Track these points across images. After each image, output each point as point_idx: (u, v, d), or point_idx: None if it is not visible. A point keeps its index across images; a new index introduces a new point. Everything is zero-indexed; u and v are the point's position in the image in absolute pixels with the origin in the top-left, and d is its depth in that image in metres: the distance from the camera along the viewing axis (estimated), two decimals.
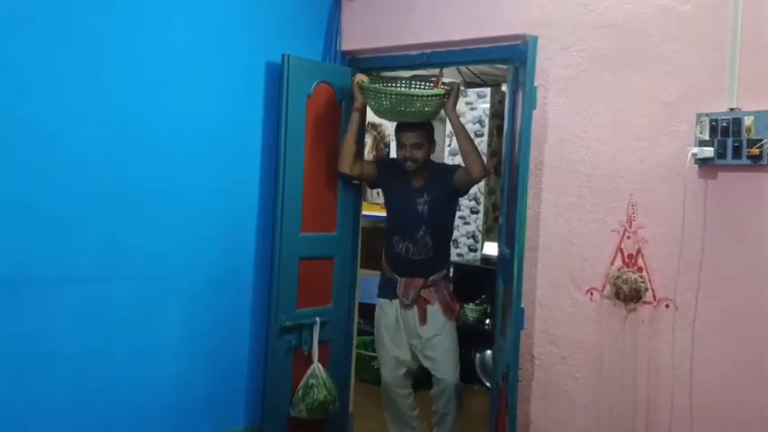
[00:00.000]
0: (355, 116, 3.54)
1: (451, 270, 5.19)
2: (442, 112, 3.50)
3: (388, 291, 3.61)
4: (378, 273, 3.63)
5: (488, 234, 5.42)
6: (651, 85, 2.90)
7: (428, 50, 3.53)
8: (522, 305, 3.07)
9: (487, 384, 4.73)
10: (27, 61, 2.67)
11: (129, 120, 2.98)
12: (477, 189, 5.40)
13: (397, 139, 3.56)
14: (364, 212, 4.03)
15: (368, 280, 4.15)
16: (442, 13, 3.45)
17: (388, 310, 3.61)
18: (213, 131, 3.30)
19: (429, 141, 3.52)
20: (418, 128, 3.47)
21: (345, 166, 3.55)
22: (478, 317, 5.04)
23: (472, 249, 5.44)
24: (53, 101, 2.75)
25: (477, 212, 5.45)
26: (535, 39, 3.03)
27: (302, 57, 3.47)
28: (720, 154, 2.68)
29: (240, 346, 3.48)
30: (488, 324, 4.91)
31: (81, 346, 2.86)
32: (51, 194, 2.76)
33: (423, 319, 3.50)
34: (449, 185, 3.50)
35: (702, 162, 2.73)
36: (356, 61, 3.79)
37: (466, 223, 5.49)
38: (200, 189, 3.26)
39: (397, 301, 3.56)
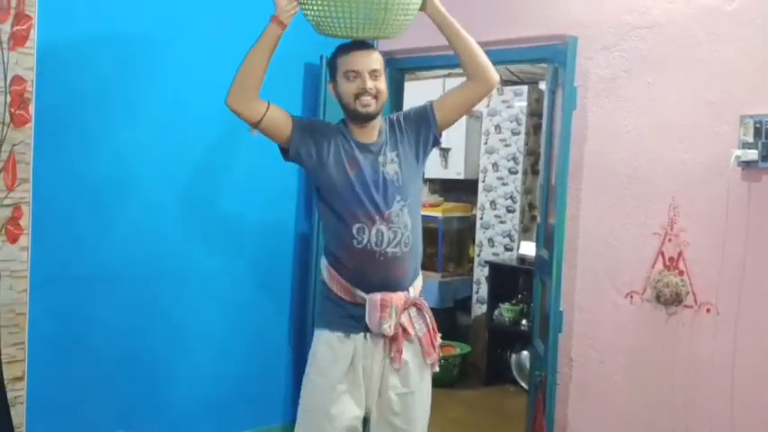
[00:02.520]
0: (275, 30, 2.19)
1: (486, 271, 5.26)
2: None
3: (339, 318, 2.27)
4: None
5: (525, 233, 5.39)
6: (694, 85, 2.86)
7: None
8: (561, 308, 3.05)
9: (523, 385, 4.71)
10: (83, 71, 2.75)
11: (172, 125, 3.04)
12: (514, 188, 5.37)
13: (342, 70, 2.27)
14: None
15: None
16: (480, 13, 3.43)
17: (339, 352, 2.24)
18: (252, 136, 3.34)
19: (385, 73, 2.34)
20: (373, 49, 2.31)
21: (237, 98, 2.20)
22: (514, 317, 5.01)
23: (508, 249, 5.41)
24: (109, 111, 2.85)
25: (514, 211, 5.41)
26: (575, 39, 3.00)
27: None
28: (765, 156, 2.64)
29: (279, 345, 3.56)
30: (524, 325, 4.89)
31: (125, 343, 2.94)
32: (101, 199, 2.86)
33: (398, 360, 2.25)
34: (426, 128, 2.35)
35: (746, 165, 2.69)
36: (393, 62, 3.79)
37: (502, 222, 5.45)
38: (241, 195, 3.33)
39: (358, 336, 2.24)
